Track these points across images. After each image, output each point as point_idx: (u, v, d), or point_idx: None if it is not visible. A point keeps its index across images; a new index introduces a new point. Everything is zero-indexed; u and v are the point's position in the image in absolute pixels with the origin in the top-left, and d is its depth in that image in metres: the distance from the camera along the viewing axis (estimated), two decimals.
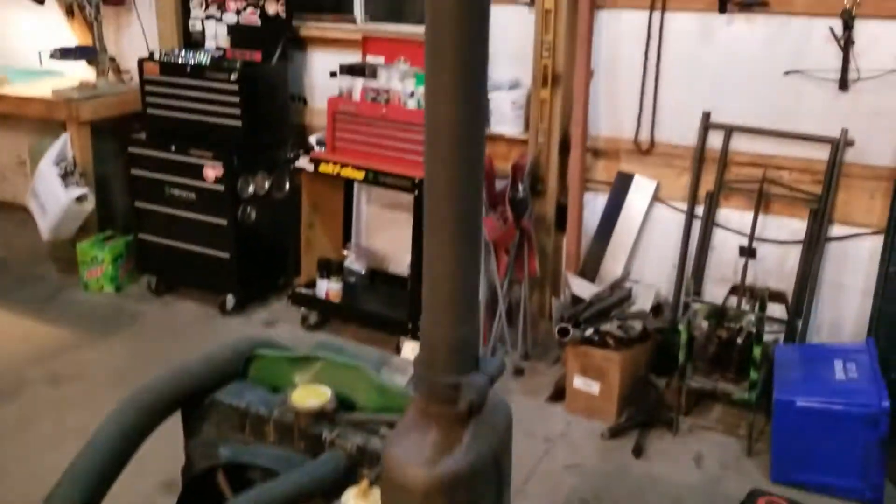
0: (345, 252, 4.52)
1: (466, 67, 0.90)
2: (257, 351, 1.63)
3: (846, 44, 3.27)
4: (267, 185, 4.40)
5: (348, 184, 4.46)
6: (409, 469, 0.92)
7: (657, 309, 3.81)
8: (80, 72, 5.05)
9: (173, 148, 4.33)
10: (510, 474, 1.02)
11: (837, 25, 3.25)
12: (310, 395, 1.51)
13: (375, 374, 1.53)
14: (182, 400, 1.56)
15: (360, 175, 3.97)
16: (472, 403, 0.91)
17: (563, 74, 3.79)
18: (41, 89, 4.83)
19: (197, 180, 4.30)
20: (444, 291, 0.94)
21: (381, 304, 4.23)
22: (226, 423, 1.56)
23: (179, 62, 4.32)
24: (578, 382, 3.60)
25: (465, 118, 0.91)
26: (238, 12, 4.45)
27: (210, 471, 1.51)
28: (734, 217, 3.69)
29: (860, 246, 3.47)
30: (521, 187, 3.85)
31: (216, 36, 4.54)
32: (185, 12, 4.61)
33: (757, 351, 3.23)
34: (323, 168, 4.07)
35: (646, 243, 3.94)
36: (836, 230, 3.49)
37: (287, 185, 4.50)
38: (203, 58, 4.28)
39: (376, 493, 1.14)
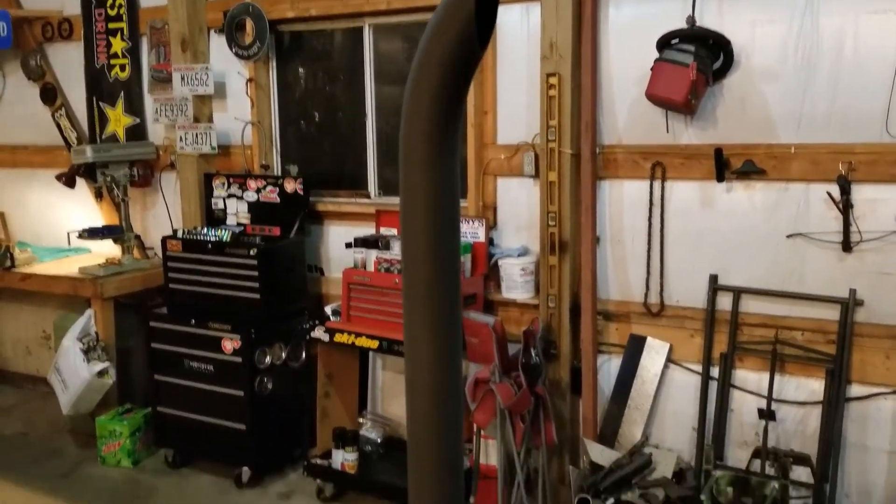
0: (360, 420, 4.50)
1: (438, 229, 0.95)
2: None
3: (845, 207, 3.36)
4: (283, 355, 4.46)
5: (363, 352, 4.50)
6: None
7: (679, 475, 3.72)
8: (106, 249, 5.26)
9: (193, 321, 4.44)
10: None
11: (835, 190, 3.36)
12: None
13: None
14: None
15: (374, 344, 4.03)
16: None
17: (569, 241, 3.91)
18: (68, 267, 5.03)
19: (215, 352, 4.37)
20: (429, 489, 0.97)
21: (396, 475, 4.15)
22: None
23: (201, 239, 4.50)
24: None
25: (440, 283, 0.96)
26: (258, 191, 4.68)
27: None
28: (751, 378, 3.66)
29: (881, 406, 3.42)
30: (533, 353, 3.87)
31: (237, 213, 4.76)
32: (207, 192, 4.86)
33: None
34: (338, 338, 4.13)
35: (663, 406, 3.90)
36: (855, 390, 3.45)
37: (303, 355, 4.55)
38: (224, 234, 4.47)
39: None
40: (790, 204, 3.51)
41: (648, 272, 3.85)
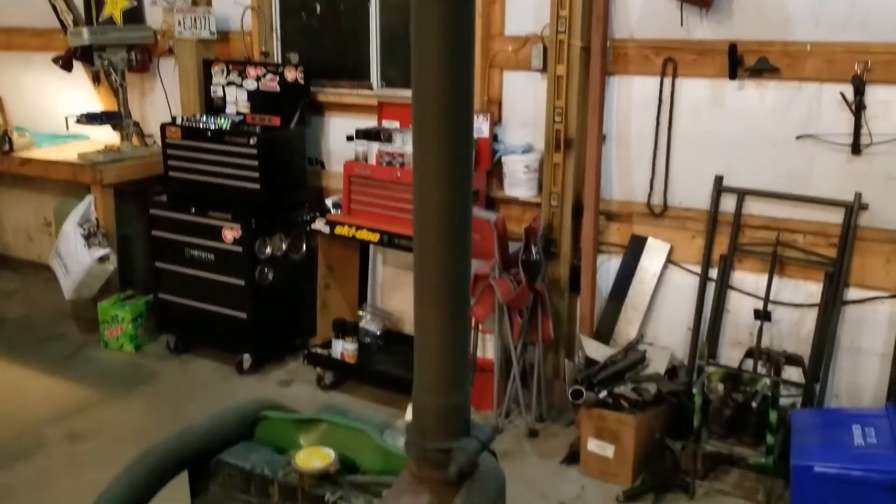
0: (360, 313, 4.55)
1: (453, 121, 0.92)
2: (263, 413, 1.65)
3: (858, 109, 3.30)
4: (284, 246, 4.47)
5: (364, 245, 4.51)
6: None
7: (672, 372, 3.78)
8: (105, 136, 5.20)
9: (193, 210, 4.43)
10: None
11: (849, 91, 3.29)
12: (314, 456, 1.52)
13: (379, 436, 1.54)
14: (188, 460, 1.57)
15: (375, 237, 4.02)
16: (462, 468, 0.92)
17: (575, 139, 3.85)
18: (67, 153, 4.98)
19: (216, 241, 4.38)
20: (435, 358, 0.96)
21: (395, 366, 4.23)
22: (231, 484, 1.56)
23: (200, 127, 4.44)
24: (593, 445, 3.56)
25: (452, 176, 0.94)
26: (258, 79, 4.58)
27: None
28: (749, 280, 3.68)
29: (878, 310, 3.44)
30: (534, 250, 3.88)
31: (236, 101, 4.67)
32: (206, 79, 4.76)
33: (773, 415, 3.19)
34: (339, 230, 4.13)
35: (660, 306, 3.93)
36: (853, 293, 3.47)
37: (304, 247, 4.56)
38: (223, 122, 4.41)
39: None
40: (802, 104, 3.44)
41: (653, 172, 3.81)
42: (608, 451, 3.53)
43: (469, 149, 0.98)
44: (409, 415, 1.53)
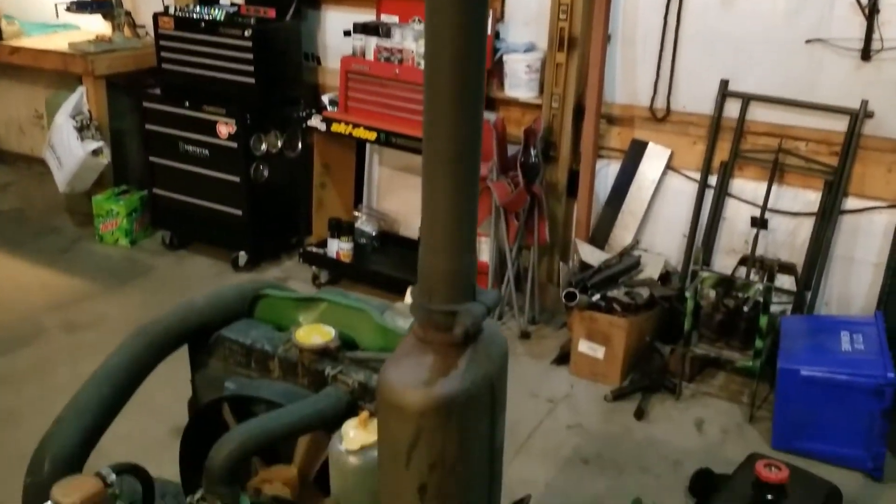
0: (356, 213, 4.53)
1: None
2: (263, 291, 1.66)
3: (871, 13, 3.22)
4: (279, 143, 4.41)
5: (361, 145, 4.46)
6: (405, 391, 0.94)
7: (665, 277, 3.81)
8: (96, 26, 5.06)
9: (187, 104, 4.35)
10: (505, 402, 1.03)
11: None
12: (314, 333, 1.54)
13: (379, 316, 1.55)
14: (189, 335, 1.58)
15: (371, 136, 3.97)
16: (467, 329, 0.92)
17: (579, 38, 3.76)
18: (57, 42, 4.85)
19: (210, 136, 4.32)
20: (443, 222, 0.95)
21: (390, 266, 4.25)
22: (232, 359, 1.58)
23: (194, 17, 4.31)
24: (584, 347, 3.62)
25: (465, 51, 0.91)
26: None
27: (216, 404, 1.54)
28: (748, 187, 3.67)
29: (874, 220, 3.45)
30: (533, 152, 3.84)
31: None
32: None
33: (763, 320, 3.23)
34: (335, 128, 4.07)
35: (657, 212, 3.93)
36: (851, 203, 3.46)
37: (299, 145, 4.51)
38: (217, 13, 4.28)
39: (375, 423, 1.16)
40: (814, 6, 3.35)
41: (658, 75, 3.74)
42: (598, 352, 3.59)
43: (483, 20, 0.94)
44: (408, 298, 1.53)
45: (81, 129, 4.54)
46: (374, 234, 4.48)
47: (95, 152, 4.56)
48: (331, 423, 1.35)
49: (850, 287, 3.55)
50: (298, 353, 1.51)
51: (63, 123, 4.56)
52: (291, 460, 1.53)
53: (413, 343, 0.98)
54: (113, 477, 1.28)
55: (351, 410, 1.40)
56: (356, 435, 1.29)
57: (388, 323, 1.53)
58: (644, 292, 3.61)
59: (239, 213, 4.37)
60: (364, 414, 1.26)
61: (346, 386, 1.45)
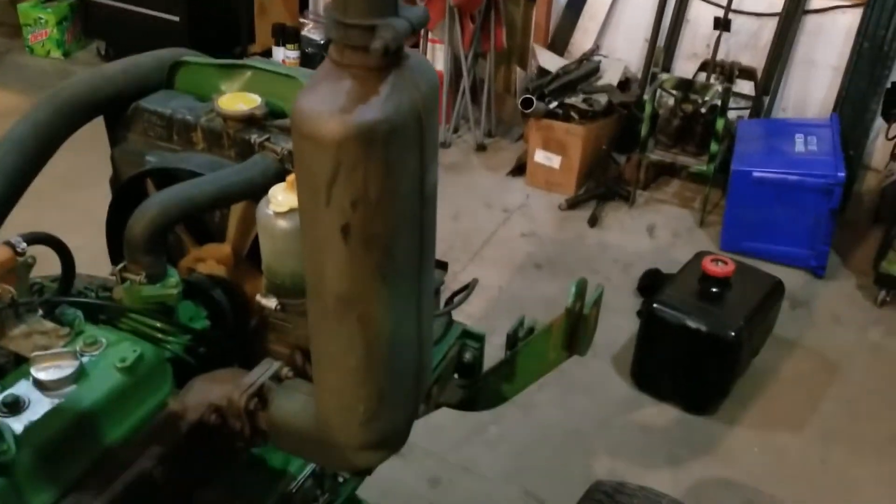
0: (302, 20, 4.27)
1: None
2: (183, 58, 1.52)
3: None
4: None
5: None
6: (320, 120, 0.85)
7: (625, 84, 3.70)
8: None
9: None
10: (436, 142, 0.95)
11: None
12: (239, 101, 1.43)
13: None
14: (101, 105, 1.46)
15: None
16: (387, 45, 0.82)
17: None
18: None
19: None
20: None
21: None
22: (152, 131, 1.48)
23: None
24: (540, 157, 3.55)
25: None
26: None
27: (138, 179, 1.44)
28: None
29: (837, 21, 3.34)
30: None
31: None
32: None
33: (720, 123, 3.18)
34: None
35: (619, 17, 3.76)
36: (816, 2, 3.34)
37: None
38: None
39: None
40: None
41: None
42: (554, 161, 3.53)
43: None
44: None
45: None
46: (322, 42, 4.25)
47: None
48: (260, 193, 1.27)
49: (808, 91, 3.48)
50: (223, 122, 1.41)
51: None
52: (224, 239, 1.47)
53: (329, 68, 0.88)
54: (24, 245, 1.20)
55: (280, 178, 1.31)
56: (284, 198, 1.22)
57: None
58: (602, 99, 3.51)
59: (176, 19, 4.10)
60: (292, 177, 1.18)
61: (274, 154, 1.36)
